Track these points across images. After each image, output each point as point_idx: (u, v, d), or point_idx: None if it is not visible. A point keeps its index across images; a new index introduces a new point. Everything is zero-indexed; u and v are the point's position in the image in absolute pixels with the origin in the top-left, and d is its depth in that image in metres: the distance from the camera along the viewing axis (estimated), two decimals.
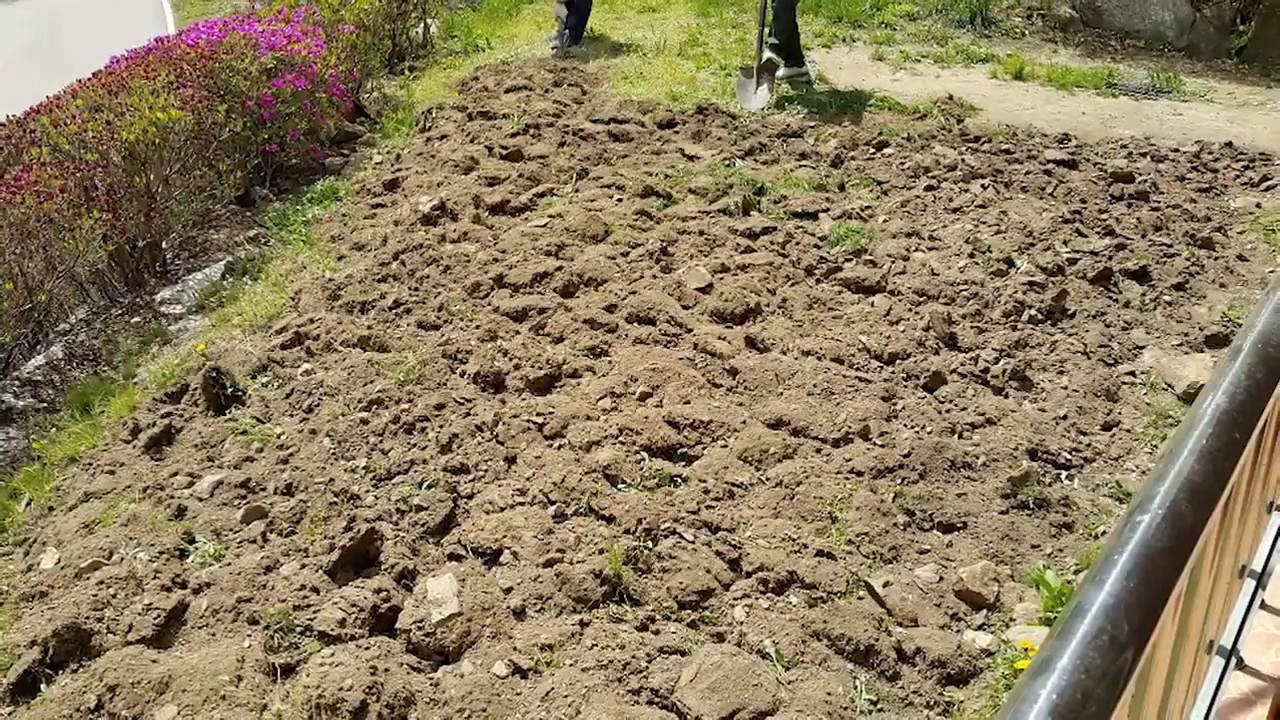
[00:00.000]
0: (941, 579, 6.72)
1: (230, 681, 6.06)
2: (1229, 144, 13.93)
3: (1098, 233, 11.41)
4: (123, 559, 7.08)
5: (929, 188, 12.50)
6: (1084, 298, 10.09)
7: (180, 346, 10.07)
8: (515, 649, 6.13)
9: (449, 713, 5.80)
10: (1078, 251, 10.90)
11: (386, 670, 5.95)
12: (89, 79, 12.96)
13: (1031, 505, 7.38)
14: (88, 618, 6.60)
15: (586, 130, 14.27)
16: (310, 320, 9.84)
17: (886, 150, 13.79)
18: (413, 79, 17.55)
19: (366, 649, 6.12)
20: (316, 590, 6.60)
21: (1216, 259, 10.87)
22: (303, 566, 6.80)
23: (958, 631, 6.35)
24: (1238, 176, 13.03)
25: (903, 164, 13.24)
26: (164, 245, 11.11)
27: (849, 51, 18.23)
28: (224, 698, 5.97)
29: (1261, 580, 4.44)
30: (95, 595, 6.74)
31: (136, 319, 10.35)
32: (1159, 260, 10.76)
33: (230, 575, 6.79)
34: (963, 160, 13.25)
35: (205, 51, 13.16)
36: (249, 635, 6.38)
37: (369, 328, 9.70)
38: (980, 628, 6.40)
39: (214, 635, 6.47)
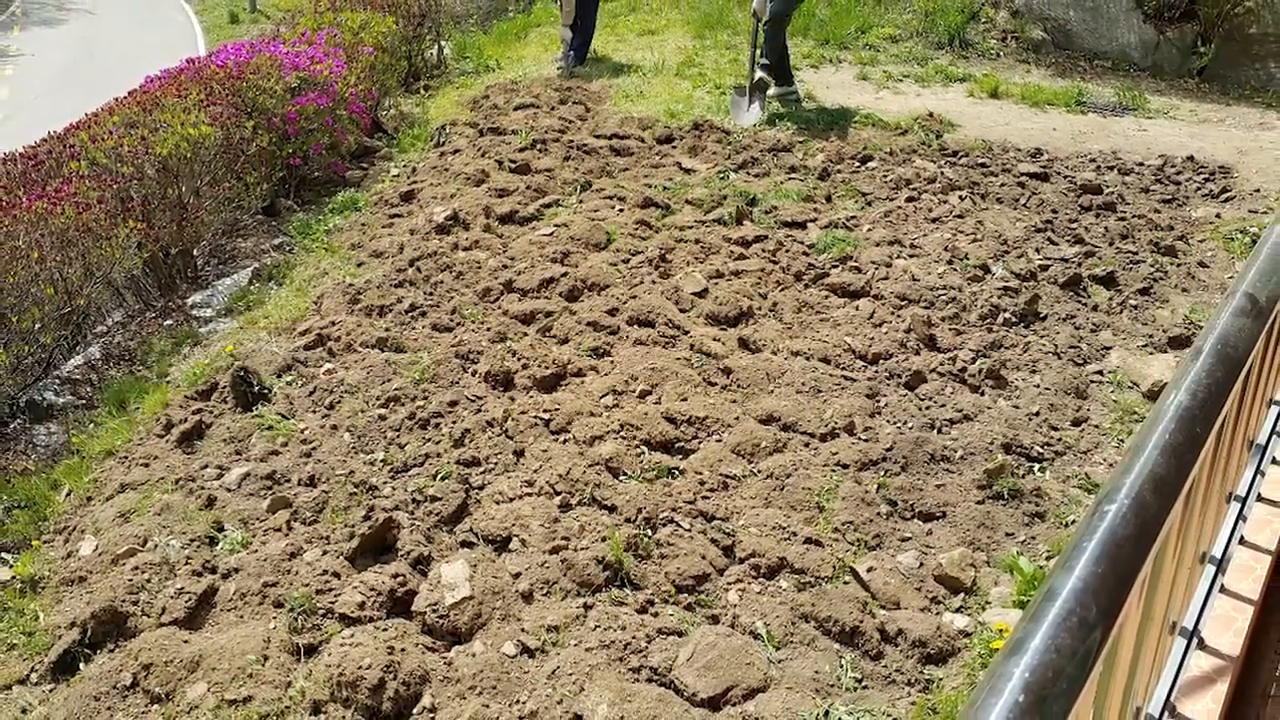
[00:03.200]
0: (922, 565, 6.73)
1: (257, 660, 6.07)
2: (1190, 158, 13.89)
3: (1068, 241, 11.41)
4: (156, 546, 7.10)
5: (910, 199, 12.46)
6: (1055, 302, 10.08)
7: (210, 347, 10.11)
8: (523, 630, 6.16)
9: (461, 690, 5.80)
10: (1049, 258, 10.90)
11: (403, 650, 5.95)
12: (125, 97, 12.92)
13: (1006, 496, 7.40)
14: (124, 601, 6.61)
15: (590, 145, 14.20)
16: (332, 323, 9.90)
17: (870, 164, 13.71)
18: (427, 97, 17.32)
19: (384, 630, 6.13)
20: (337, 575, 6.61)
21: (1179, 265, 10.88)
22: (324, 553, 6.82)
23: (937, 614, 6.36)
24: (1199, 188, 13.04)
25: (885, 176, 13.17)
26: (195, 253, 11.04)
27: (835, 72, 18.13)
28: (251, 676, 5.97)
29: (1221, 565, 4.48)
30: (131, 580, 6.75)
31: (169, 322, 10.33)
32: (1125, 266, 10.77)
33: (257, 561, 6.80)
34: (942, 173, 13.20)
35: (233, 71, 13.10)
36: (274, 617, 6.39)
37: (386, 330, 9.73)
38: (958, 610, 6.42)
39: (242, 617, 6.48)
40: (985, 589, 6.57)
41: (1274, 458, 5.25)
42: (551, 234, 11.46)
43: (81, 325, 9.92)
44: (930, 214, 12.08)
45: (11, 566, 7.28)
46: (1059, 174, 13.49)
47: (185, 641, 6.29)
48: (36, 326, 9.32)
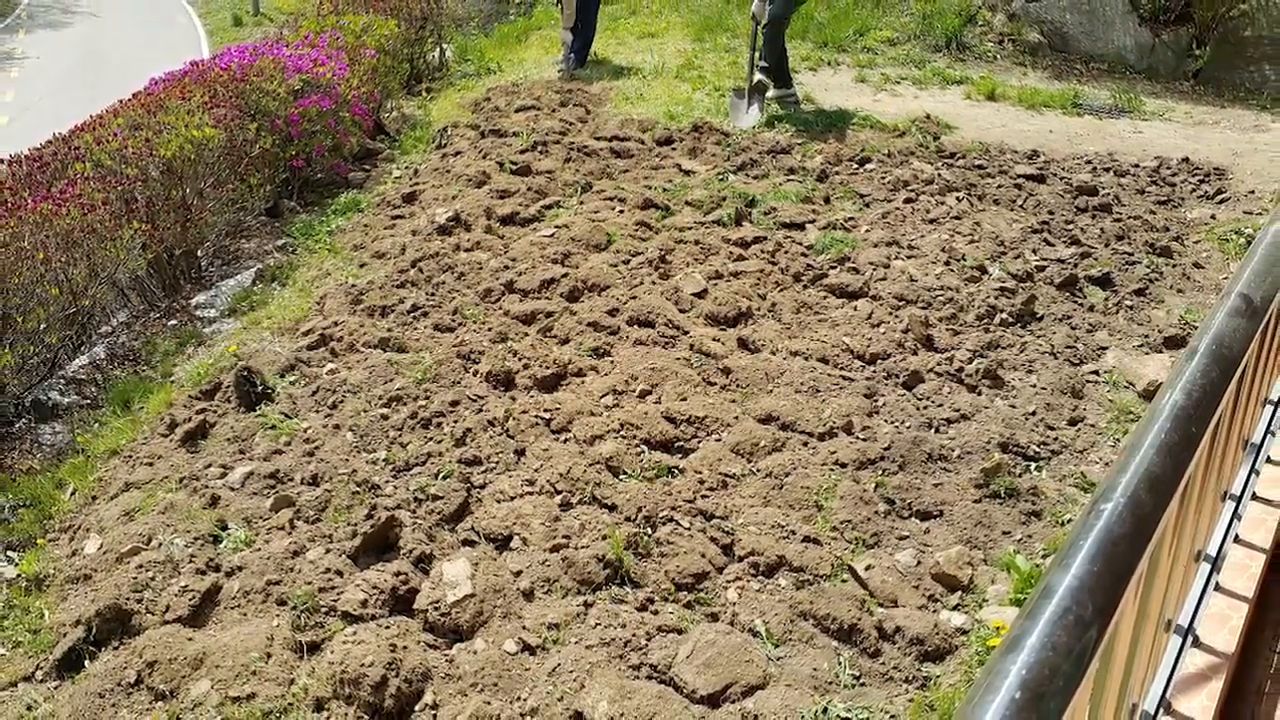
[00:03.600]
0: (919, 563, 6.57)
1: (260, 658, 6.02)
2: (1186, 159, 13.67)
3: (1064, 242, 11.21)
4: (160, 544, 7.01)
5: (908, 200, 12.20)
6: (1051, 302, 9.88)
7: (214, 347, 9.87)
8: (524, 628, 6.08)
9: (463, 687, 5.73)
10: (1045, 259, 10.68)
11: (405, 648, 5.89)
12: (129, 99, 12.69)
13: (1003, 494, 7.21)
14: (128, 599, 6.56)
15: (590, 147, 13.79)
16: (334, 323, 9.69)
17: (868, 165, 13.42)
18: (429, 99, 16.68)
19: (387, 628, 6.07)
20: (340, 574, 6.55)
21: (1174, 266, 10.71)
22: (327, 551, 6.74)
23: (934, 611, 6.21)
24: (1194, 190, 12.86)
25: (883, 178, 12.89)
26: (199, 253, 10.72)
27: (834, 74, 17.95)
28: (254, 673, 5.93)
29: (1216, 564, 4.44)
30: (135, 578, 6.70)
31: (173, 322, 10.08)
32: (1121, 267, 10.59)
33: (260, 560, 6.73)
34: (939, 175, 12.97)
35: (237, 74, 12.87)
36: (278, 615, 6.32)
37: (389, 330, 9.52)
38: (955, 608, 6.26)
39: (245, 615, 6.42)
40: (982, 587, 6.40)
41: (1269, 456, 5.14)
42: (552, 235, 11.18)
43: (86, 325, 9.70)
44: (928, 215, 11.81)
45: (17, 565, 7.22)
46: (1055, 175, 13.21)
47: (189, 639, 6.24)
48: (42, 327, 9.21)
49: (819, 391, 8.37)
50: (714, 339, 9.15)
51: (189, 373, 9.48)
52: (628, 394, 8.39)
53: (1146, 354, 9.06)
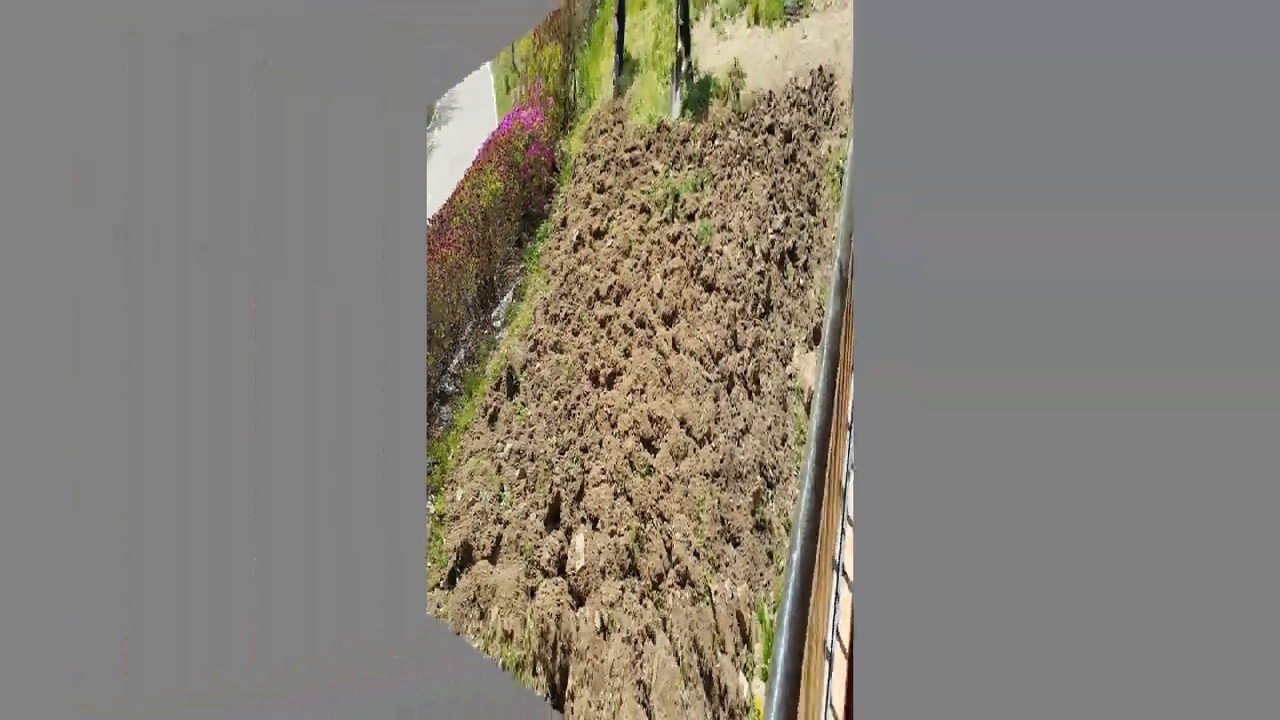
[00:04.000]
0: (734, 596, 4.02)
1: (514, 595, 4.67)
2: (819, 69, 7.13)
3: (780, 206, 6.14)
4: (481, 500, 5.33)
5: (727, 175, 6.76)
6: (776, 284, 5.64)
7: (499, 351, 6.72)
8: (601, 603, 4.12)
9: (585, 661, 3.95)
10: (774, 231, 5.95)
11: (561, 604, 4.48)
12: (471, 166, 9.33)
13: (760, 526, 4.31)
14: (471, 538, 5.11)
15: (622, 159, 8.03)
16: (539, 329, 6.37)
17: (715, 140, 7.26)
18: (569, 135, 9.47)
19: (556, 586, 4.55)
20: (540, 535, 4.83)
21: (816, 225, 5.92)
22: (536, 517, 4.92)
23: (739, 668, 3.78)
24: (821, 111, 6.82)
25: (718, 152, 7.07)
26: (494, 279, 7.88)
27: (702, 22, 9.11)
28: (513, 608, 4.57)
29: (832, 667, 2.05)
30: (473, 523, 5.26)
31: (485, 331, 7.35)
32: (798, 233, 5.93)
33: (515, 518, 4.90)
34: (739, 142, 7.01)
35: (506, 137, 9.49)
36: (519, 564, 4.79)
37: (558, 335, 6.17)
38: (744, 669, 3.75)
39: (510, 560, 4.86)
40: (753, 642, 3.88)
41: (849, 515, 2.20)
42: (610, 245, 6.84)
43: (456, 336, 7.34)
44: (734, 190, 6.57)
45: (433, 504, 5.57)
46: (776, 120, 6.98)
47: (491, 573, 4.78)
48: (443, 337, 7.14)
49: (699, 394, 5.04)
50: (664, 338, 5.61)
51: (489, 370, 6.48)
52: (636, 392, 5.29)
53: (809, 350, 5.23)
